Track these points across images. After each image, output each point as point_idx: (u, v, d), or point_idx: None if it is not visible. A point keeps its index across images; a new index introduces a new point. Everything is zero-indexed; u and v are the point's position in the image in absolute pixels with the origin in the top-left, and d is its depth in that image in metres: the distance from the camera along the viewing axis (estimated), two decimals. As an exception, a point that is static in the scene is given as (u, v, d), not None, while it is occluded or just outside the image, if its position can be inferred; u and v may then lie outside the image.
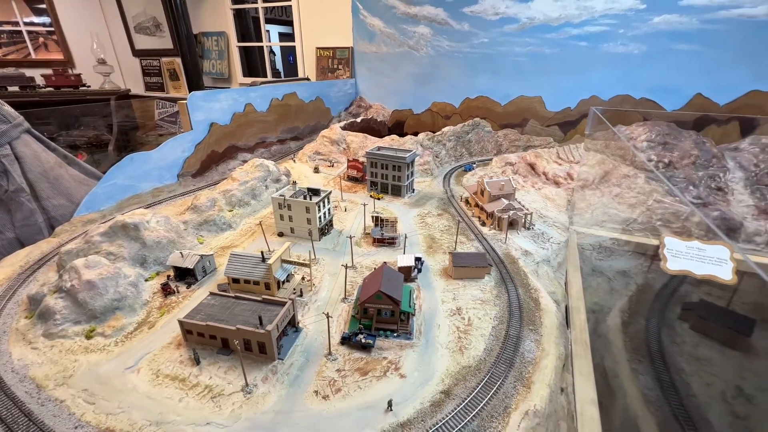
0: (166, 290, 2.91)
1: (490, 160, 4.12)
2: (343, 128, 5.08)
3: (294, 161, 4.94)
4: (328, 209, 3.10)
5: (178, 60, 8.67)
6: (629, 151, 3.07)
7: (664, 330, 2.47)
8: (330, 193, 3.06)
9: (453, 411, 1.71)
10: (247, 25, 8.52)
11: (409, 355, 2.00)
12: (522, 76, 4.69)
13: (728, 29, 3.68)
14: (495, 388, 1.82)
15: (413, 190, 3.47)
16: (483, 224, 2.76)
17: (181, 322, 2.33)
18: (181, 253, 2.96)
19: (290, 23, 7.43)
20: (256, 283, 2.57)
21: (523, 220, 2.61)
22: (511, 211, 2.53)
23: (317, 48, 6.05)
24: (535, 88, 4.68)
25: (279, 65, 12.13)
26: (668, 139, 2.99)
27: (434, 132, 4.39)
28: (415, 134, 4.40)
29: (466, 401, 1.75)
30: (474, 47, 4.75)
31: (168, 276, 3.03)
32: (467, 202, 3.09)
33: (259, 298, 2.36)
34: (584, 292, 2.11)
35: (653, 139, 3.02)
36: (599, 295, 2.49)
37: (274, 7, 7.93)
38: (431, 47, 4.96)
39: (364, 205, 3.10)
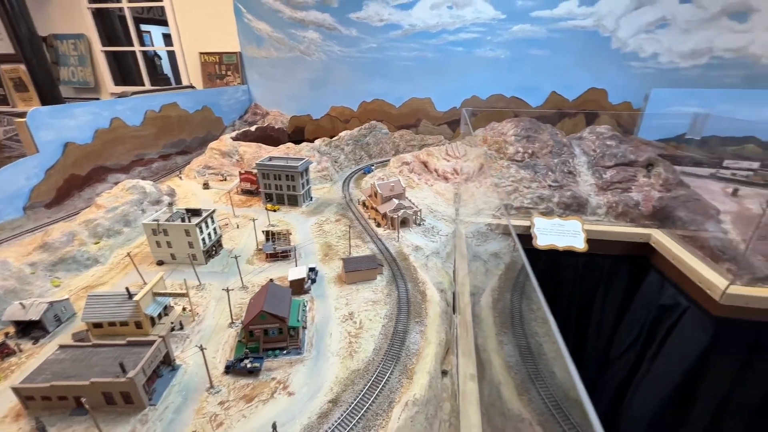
0: (2, 351, 2.33)
1: (388, 160, 4.25)
2: (235, 138, 4.71)
3: (180, 178, 4.44)
4: (214, 229, 2.82)
5: (23, 67, 7.17)
6: (502, 144, 3.41)
7: (524, 301, 2.83)
8: (213, 212, 2.78)
9: (339, 418, 1.69)
10: (113, 27, 7.41)
11: (299, 371, 1.92)
12: (411, 79, 4.93)
13: (568, 37, 4.27)
14: (381, 386, 1.84)
15: (311, 198, 3.38)
16: (378, 225, 2.80)
17: (16, 390, 1.86)
18: (21, 303, 2.39)
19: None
20: (124, 323, 2.19)
21: (414, 217, 2.72)
22: (401, 210, 2.63)
23: (201, 53, 5.57)
24: (425, 90, 4.96)
25: (168, 71, 10.87)
26: (530, 132, 3.40)
27: (332, 137, 4.37)
28: (312, 140, 4.30)
29: (353, 405, 1.74)
30: (364, 52, 4.84)
31: (6, 334, 2.43)
32: (364, 205, 3.11)
33: (123, 342, 2.01)
34: (468, 277, 2.27)
35: (519, 133, 3.40)
36: (478, 278, 2.75)
37: (150, 7, 7.07)
38: (323, 52, 4.93)
39: (254, 220, 2.90)
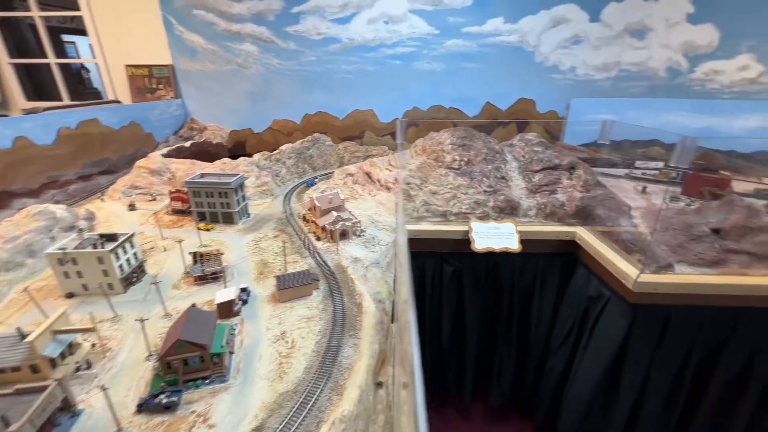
0: None
1: (333, 172, 4.21)
2: (166, 155, 4.39)
3: (103, 200, 4.05)
4: (134, 254, 2.56)
5: None
6: (440, 153, 3.52)
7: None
8: (132, 235, 2.53)
9: (260, 447, 1.59)
10: (23, 38, 6.66)
11: (222, 400, 1.77)
12: (353, 92, 4.96)
13: (497, 51, 4.52)
14: (309, 406, 1.76)
15: (248, 214, 3.22)
16: (318, 239, 2.74)
17: None
18: None
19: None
20: (16, 369, 1.89)
21: (354, 229, 2.70)
22: (340, 223, 2.59)
23: (127, 66, 5.20)
24: (367, 102, 5.01)
25: (99, 84, 9.96)
26: (465, 141, 3.55)
27: (274, 151, 4.24)
28: (251, 155, 4.15)
29: (278, 431, 1.63)
30: (303, 65, 4.81)
31: None
32: (304, 218, 3.04)
33: (10, 390, 1.74)
34: (406, 285, 2.28)
35: (455, 142, 3.54)
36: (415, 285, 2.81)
37: (73, 17, 6.48)
38: (261, 65, 4.82)
39: (180, 242, 2.69)
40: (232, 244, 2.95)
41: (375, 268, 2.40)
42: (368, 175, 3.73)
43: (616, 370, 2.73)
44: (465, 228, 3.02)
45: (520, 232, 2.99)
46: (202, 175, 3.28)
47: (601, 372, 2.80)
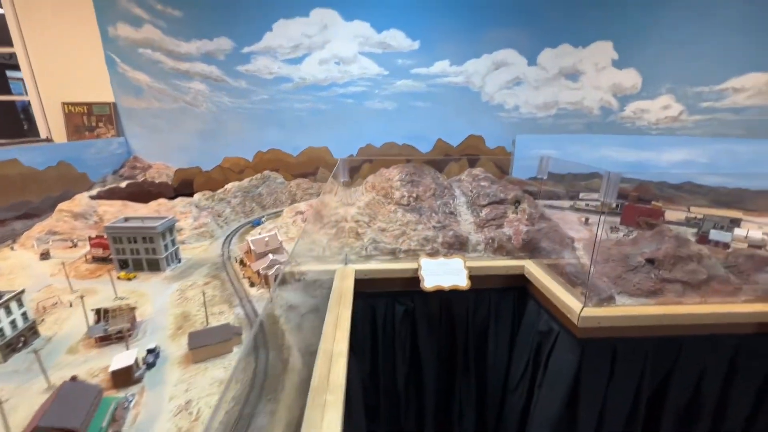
0: None
1: (282, 211, 4.10)
2: (96, 197, 4.09)
3: (13, 248, 3.62)
4: (23, 314, 2.23)
5: None
6: (389, 190, 3.51)
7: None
8: (21, 292, 2.21)
9: None
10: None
11: None
12: (306, 129, 4.96)
13: (446, 91, 4.70)
14: None
15: (179, 259, 3.00)
16: (252, 285, 2.57)
17: None
18: None
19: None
20: None
21: (293, 273, 2.57)
22: (276, 266, 2.46)
23: (64, 103, 4.96)
24: (321, 139, 5.01)
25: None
26: (414, 177, 3.57)
27: (214, 190, 4.07)
28: (191, 195, 3.96)
29: None
30: (256, 103, 4.78)
31: None
32: (242, 262, 2.87)
33: None
34: (344, 333, 2.14)
35: (403, 178, 3.55)
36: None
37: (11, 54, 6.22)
38: (212, 103, 4.75)
39: (81, 297, 2.39)
40: (153, 294, 2.63)
41: (313, 315, 2.24)
42: (318, 212, 3.66)
43: (573, 405, 2.66)
44: (415, 266, 2.97)
45: (470, 268, 2.97)
46: (126, 219, 3.02)
47: (558, 409, 2.71)
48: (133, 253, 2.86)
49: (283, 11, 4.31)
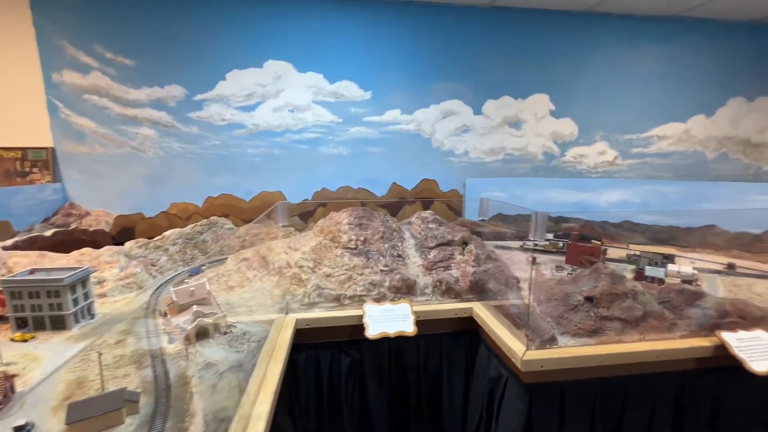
0: None
1: (226, 258, 3.89)
2: (10, 247, 3.70)
3: None
4: None
5: None
6: (337, 233, 3.45)
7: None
8: None
9: None
10: None
11: None
12: (260, 174, 4.91)
13: (398, 138, 4.84)
14: None
15: (92, 315, 2.67)
16: (171, 341, 2.31)
17: None
18: None
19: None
20: None
21: (218, 325, 2.34)
22: (198, 320, 2.24)
23: (-5, 148, 4.68)
24: (275, 184, 4.96)
25: None
26: (363, 220, 3.55)
27: (151, 237, 3.81)
28: (121, 243, 3.70)
29: None
30: (207, 149, 4.72)
31: None
32: (166, 315, 2.61)
33: None
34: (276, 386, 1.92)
35: (352, 221, 3.51)
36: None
37: None
38: (160, 148, 4.64)
39: None
40: (49, 357, 2.21)
41: (234, 373, 2.00)
42: (264, 258, 3.50)
43: (526, 459, 2.48)
44: (360, 312, 2.83)
45: (418, 313, 2.87)
46: (32, 271, 2.69)
47: (513, 465, 2.52)
48: (35, 309, 2.53)
49: (237, 62, 4.42)
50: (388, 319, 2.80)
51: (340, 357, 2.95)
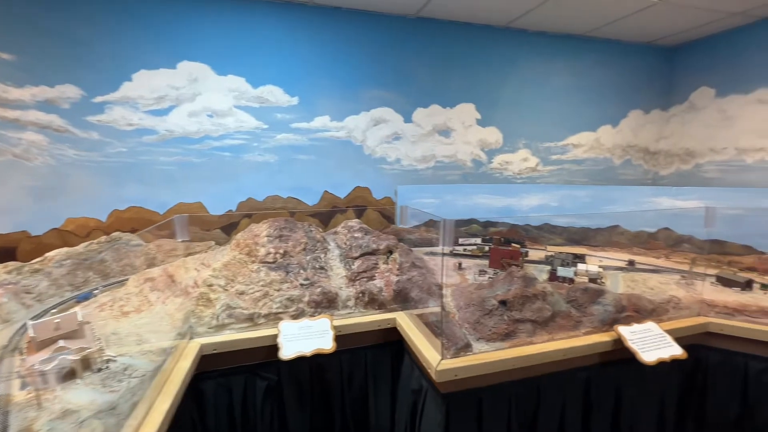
0: None
1: (127, 279, 3.46)
2: None
3: None
4: None
5: None
6: (254, 247, 3.21)
7: None
8: None
9: None
10: None
11: None
12: (176, 184, 4.49)
13: (328, 145, 4.69)
14: None
15: None
16: (26, 386, 1.93)
17: None
18: None
19: None
20: None
21: (91, 361, 2.00)
22: (58, 359, 1.89)
23: None
24: (194, 194, 4.57)
25: None
26: (284, 231, 3.36)
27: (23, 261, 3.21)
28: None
29: None
30: (110, 156, 4.21)
31: None
32: (22, 354, 2.21)
33: None
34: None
35: (272, 233, 3.30)
36: None
37: None
38: (51, 156, 4.05)
39: None
40: None
41: (100, 420, 1.70)
42: (171, 278, 3.15)
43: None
44: (276, 331, 2.63)
45: (338, 327, 2.74)
46: None
47: (435, 479, 2.47)
48: None
49: (145, 62, 4.02)
50: (306, 337, 2.63)
51: (255, 382, 2.71)
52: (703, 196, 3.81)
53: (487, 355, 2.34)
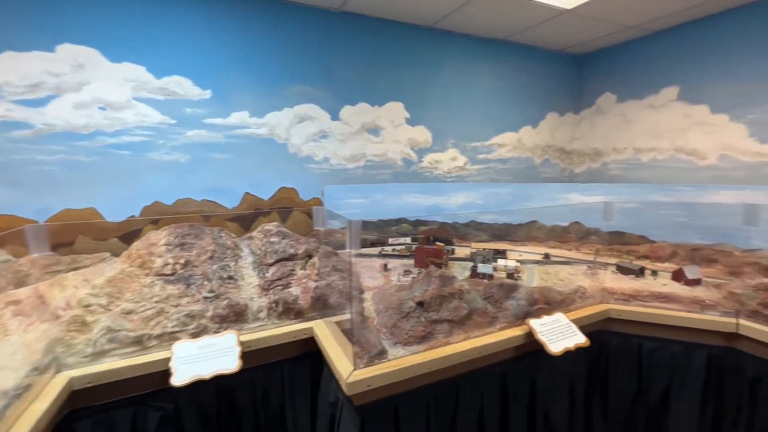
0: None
1: (-16, 303, 2.86)
2: None
3: None
4: None
5: None
6: (148, 258, 2.81)
7: None
8: None
9: None
10: None
11: None
12: (59, 187, 3.84)
13: (248, 143, 4.32)
14: None
15: None
16: None
17: None
18: None
19: None
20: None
21: None
22: None
23: None
24: (84, 199, 3.94)
25: None
26: (187, 239, 3.00)
27: None
28: None
29: None
30: (-33, 155, 3.49)
31: None
32: None
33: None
34: None
35: (172, 241, 2.92)
36: None
37: None
38: None
39: None
40: None
41: None
42: (42, 299, 2.64)
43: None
44: (168, 354, 2.30)
45: (247, 343, 2.48)
46: None
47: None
48: None
49: (11, 42, 3.37)
50: (206, 358, 2.33)
51: (146, 413, 2.35)
52: (606, 192, 4.14)
53: (403, 360, 2.24)
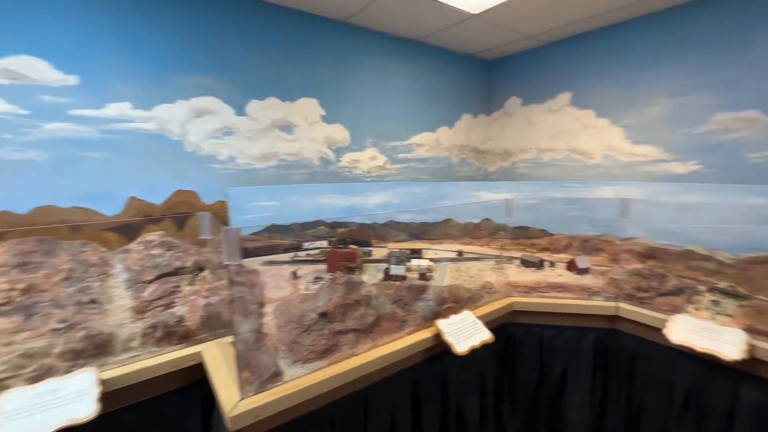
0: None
1: None
2: None
3: None
4: None
5: None
6: (-30, 283, 2.19)
7: None
8: None
9: None
10: None
11: None
12: None
13: (132, 139, 3.70)
14: None
15: None
16: None
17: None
18: None
19: None
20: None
21: None
22: None
23: None
24: None
25: None
26: (32, 257, 2.41)
27: None
28: None
29: None
30: None
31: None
32: None
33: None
34: None
35: (9, 261, 2.31)
36: None
37: None
38: None
39: None
40: None
41: None
42: None
43: None
44: (-11, 409, 1.78)
45: (111, 381, 2.04)
46: None
47: None
48: None
49: None
50: (48, 407, 1.85)
51: (-42, 492, 1.79)
52: (511, 189, 4.36)
53: (300, 381, 2.01)
